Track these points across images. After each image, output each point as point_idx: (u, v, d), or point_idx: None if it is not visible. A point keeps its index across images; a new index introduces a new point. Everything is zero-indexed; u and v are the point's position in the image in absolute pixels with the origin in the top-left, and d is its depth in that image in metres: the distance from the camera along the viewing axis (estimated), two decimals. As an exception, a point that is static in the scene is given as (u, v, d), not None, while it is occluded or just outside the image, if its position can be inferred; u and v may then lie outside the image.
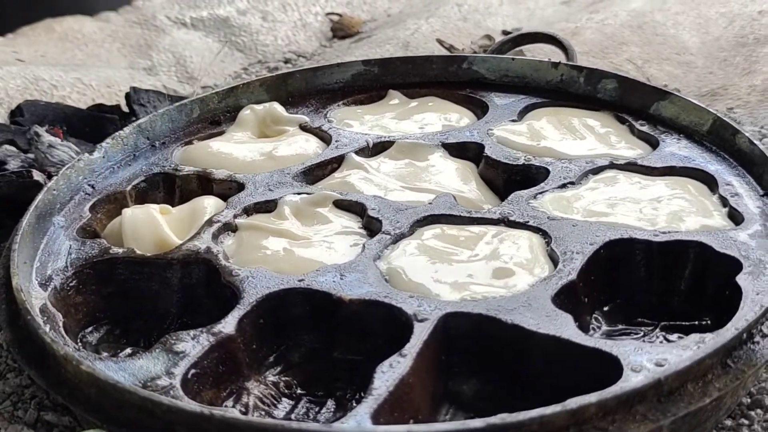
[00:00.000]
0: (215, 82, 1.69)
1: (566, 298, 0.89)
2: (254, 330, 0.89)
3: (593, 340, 0.82)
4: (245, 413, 0.85)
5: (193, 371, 0.83)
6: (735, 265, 0.90)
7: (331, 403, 0.87)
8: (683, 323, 0.93)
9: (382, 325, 0.88)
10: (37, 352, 0.84)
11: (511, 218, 1.01)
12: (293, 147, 1.21)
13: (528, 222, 1.00)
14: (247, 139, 1.24)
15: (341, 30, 1.97)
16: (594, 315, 0.94)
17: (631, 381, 0.75)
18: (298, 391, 0.89)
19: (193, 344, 0.85)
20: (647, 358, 0.78)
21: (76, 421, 0.88)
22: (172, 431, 0.73)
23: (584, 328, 0.91)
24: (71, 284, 0.96)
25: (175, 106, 1.26)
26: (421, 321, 0.85)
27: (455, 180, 1.12)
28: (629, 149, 1.16)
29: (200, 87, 1.64)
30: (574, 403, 0.70)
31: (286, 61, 1.80)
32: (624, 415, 0.72)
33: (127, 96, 1.43)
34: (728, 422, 0.84)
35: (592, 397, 0.70)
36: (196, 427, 0.72)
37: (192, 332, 0.86)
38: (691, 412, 0.73)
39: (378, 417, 0.75)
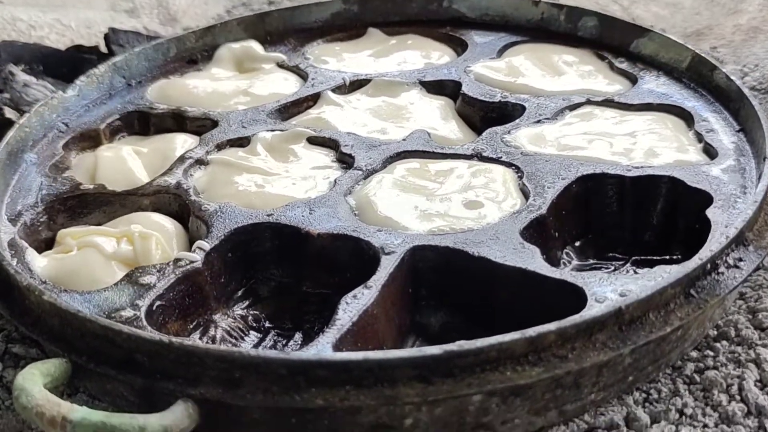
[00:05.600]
0: (197, 24, 1.67)
1: (535, 232, 0.89)
2: (222, 264, 0.89)
3: (559, 272, 0.82)
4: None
5: (158, 303, 0.83)
6: (706, 199, 0.89)
7: (298, 336, 0.88)
8: (654, 258, 0.93)
9: (350, 258, 0.88)
10: (2, 283, 0.83)
11: (484, 154, 1.00)
12: (269, 85, 1.20)
13: (501, 157, 0.99)
14: (223, 77, 1.23)
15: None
16: (565, 250, 0.94)
17: (596, 309, 0.74)
18: (266, 324, 0.89)
19: (158, 276, 0.84)
20: (611, 289, 0.78)
21: (43, 353, 0.88)
22: (133, 360, 0.72)
23: (555, 262, 0.91)
24: (41, 220, 0.96)
25: (151, 44, 1.25)
26: (388, 254, 0.85)
27: (431, 117, 1.11)
28: (608, 86, 1.15)
29: (182, 29, 1.62)
30: (533, 331, 0.69)
31: (271, 3, 1.78)
32: (584, 343, 0.71)
33: (106, 37, 1.42)
34: (694, 354, 0.84)
35: (551, 326, 0.70)
36: (155, 354, 0.71)
37: (158, 265, 0.86)
38: (652, 340, 0.73)
39: (340, 347, 0.75)
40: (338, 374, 0.69)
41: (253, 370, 0.69)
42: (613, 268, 0.93)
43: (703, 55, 1.11)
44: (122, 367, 0.73)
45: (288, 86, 1.20)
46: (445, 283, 0.86)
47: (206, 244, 0.88)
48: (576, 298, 0.78)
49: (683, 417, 0.77)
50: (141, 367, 0.72)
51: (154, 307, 0.82)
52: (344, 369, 0.69)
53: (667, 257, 0.92)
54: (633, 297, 0.73)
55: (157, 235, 0.90)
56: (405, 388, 0.68)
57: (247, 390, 0.69)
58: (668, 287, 0.74)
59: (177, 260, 0.86)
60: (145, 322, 0.79)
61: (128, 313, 0.80)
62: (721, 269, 0.79)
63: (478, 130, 1.10)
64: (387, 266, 0.83)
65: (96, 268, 0.88)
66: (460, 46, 1.28)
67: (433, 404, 0.70)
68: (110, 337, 0.73)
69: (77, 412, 0.66)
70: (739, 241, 0.81)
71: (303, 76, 1.22)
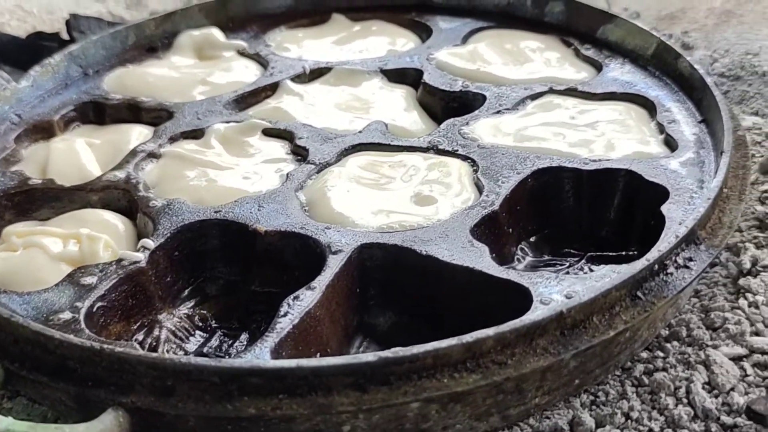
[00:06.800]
0: (165, 8, 1.63)
1: (487, 229, 0.87)
2: (168, 262, 0.87)
3: (505, 272, 0.80)
4: (156, 346, 0.83)
5: (99, 304, 0.81)
6: (663, 194, 0.88)
7: (245, 337, 0.86)
8: (610, 254, 0.91)
9: (297, 257, 0.87)
10: (-63, 286, 0.82)
11: (441, 146, 0.99)
12: (229, 74, 1.18)
13: (457, 150, 0.98)
14: (182, 66, 1.20)
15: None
16: (520, 246, 0.92)
17: (537, 313, 0.73)
18: (213, 324, 0.87)
19: (100, 277, 0.83)
20: (558, 289, 0.77)
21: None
22: (65, 366, 0.71)
23: (508, 258, 0.90)
24: (-12, 216, 0.94)
25: (109, 32, 1.23)
26: (335, 253, 0.83)
27: (392, 107, 1.09)
28: (572, 74, 1.13)
29: (149, 13, 1.59)
30: (470, 336, 0.68)
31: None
32: (524, 348, 0.70)
33: (68, 23, 1.39)
34: (644, 354, 0.82)
35: (489, 331, 0.68)
36: (87, 361, 0.70)
37: (101, 264, 0.84)
38: (595, 345, 0.72)
39: (280, 351, 0.74)
40: (271, 382, 0.67)
41: (185, 377, 0.68)
42: (568, 264, 0.91)
43: (667, 42, 1.09)
44: (55, 374, 0.71)
45: (248, 75, 1.18)
46: (394, 282, 0.84)
47: (151, 243, 0.86)
48: (522, 298, 0.77)
49: (629, 421, 0.76)
50: (74, 374, 0.71)
51: (95, 309, 0.81)
52: (277, 377, 0.67)
53: (624, 253, 0.91)
54: (575, 300, 0.71)
55: (105, 238, 0.88)
56: (339, 397, 0.67)
57: (179, 398, 0.68)
58: (613, 290, 0.72)
59: (120, 260, 0.85)
60: (83, 325, 0.77)
61: (66, 315, 0.79)
62: (670, 269, 0.77)
63: (439, 120, 1.07)
64: (333, 266, 0.81)
65: (41, 269, 0.86)
66: (425, 32, 1.26)
67: (370, 412, 0.69)
68: (42, 343, 0.72)
69: (1, 422, 0.65)
70: (690, 240, 0.79)
71: (263, 64, 1.19)
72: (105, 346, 0.70)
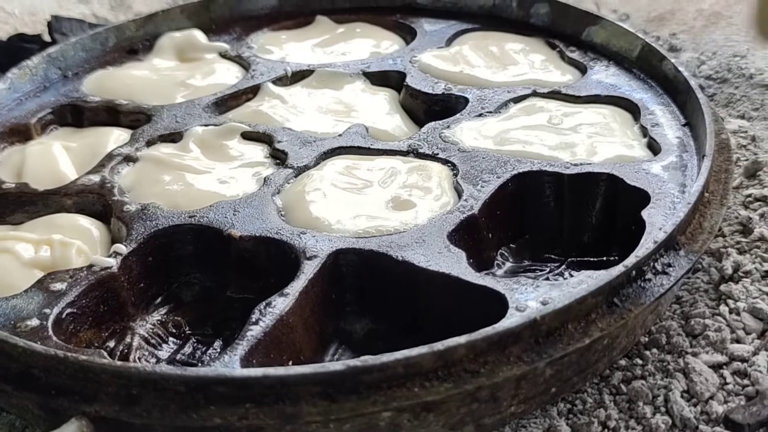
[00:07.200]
0: (151, 10, 1.62)
1: (465, 234, 0.85)
2: (142, 268, 0.86)
3: (482, 278, 0.79)
4: (127, 354, 0.82)
5: (68, 311, 0.80)
6: (644, 198, 0.86)
7: (218, 343, 0.84)
8: (591, 259, 0.90)
9: (273, 262, 0.85)
10: None
11: (421, 150, 0.97)
12: (210, 76, 1.17)
13: (437, 154, 0.96)
14: (163, 68, 1.19)
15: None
16: (500, 251, 0.91)
17: (510, 320, 0.71)
18: (187, 330, 0.86)
19: (70, 283, 0.81)
20: (534, 296, 0.75)
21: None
22: (30, 374, 0.69)
23: (488, 264, 0.88)
24: (-40, 221, 0.93)
25: (89, 34, 1.21)
26: (310, 258, 0.81)
27: (373, 110, 1.08)
28: (556, 77, 1.11)
29: (134, 15, 1.58)
30: (441, 344, 0.66)
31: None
32: (497, 356, 0.68)
33: (49, 25, 1.38)
34: (623, 362, 0.81)
35: (461, 339, 0.67)
36: (52, 369, 0.68)
37: (72, 270, 0.83)
38: (571, 353, 0.70)
39: (250, 359, 0.72)
40: (238, 391, 0.66)
41: (150, 386, 0.66)
42: (548, 270, 0.89)
43: (654, 44, 1.08)
44: (19, 383, 0.70)
45: (229, 77, 1.17)
46: (370, 289, 0.83)
47: (123, 248, 0.85)
48: (499, 305, 0.75)
49: (606, 430, 0.74)
50: (38, 383, 0.69)
51: (64, 316, 0.79)
52: (244, 386, 0.66)
53: (605, 259, 0.89)
54: (550, 307, 0.70)
55: (78, 243, 0.87)
56: (307, 406, 0.65)
57: (144, 408, 0.66)
58: (588, 296, 0.71)
59: (91, 266, 0.83)
60: (51, 332, 0.76)
61: (34, 322, 0.77)
62: (648, 276, 0.75)
63: (421, 123, 1.06)
64: (307, 272, 0.80)
65: (11, 275, 0.85)
66: (409, 35, 1.25)
67: (340, 421, 0.67)
68: (7, 351, 0.70)
69: (-38, 433, 0.64)
70: (669, 245, 0.78)
71: (245, 66, 1.18)
72: (69, 354, 0.68)
